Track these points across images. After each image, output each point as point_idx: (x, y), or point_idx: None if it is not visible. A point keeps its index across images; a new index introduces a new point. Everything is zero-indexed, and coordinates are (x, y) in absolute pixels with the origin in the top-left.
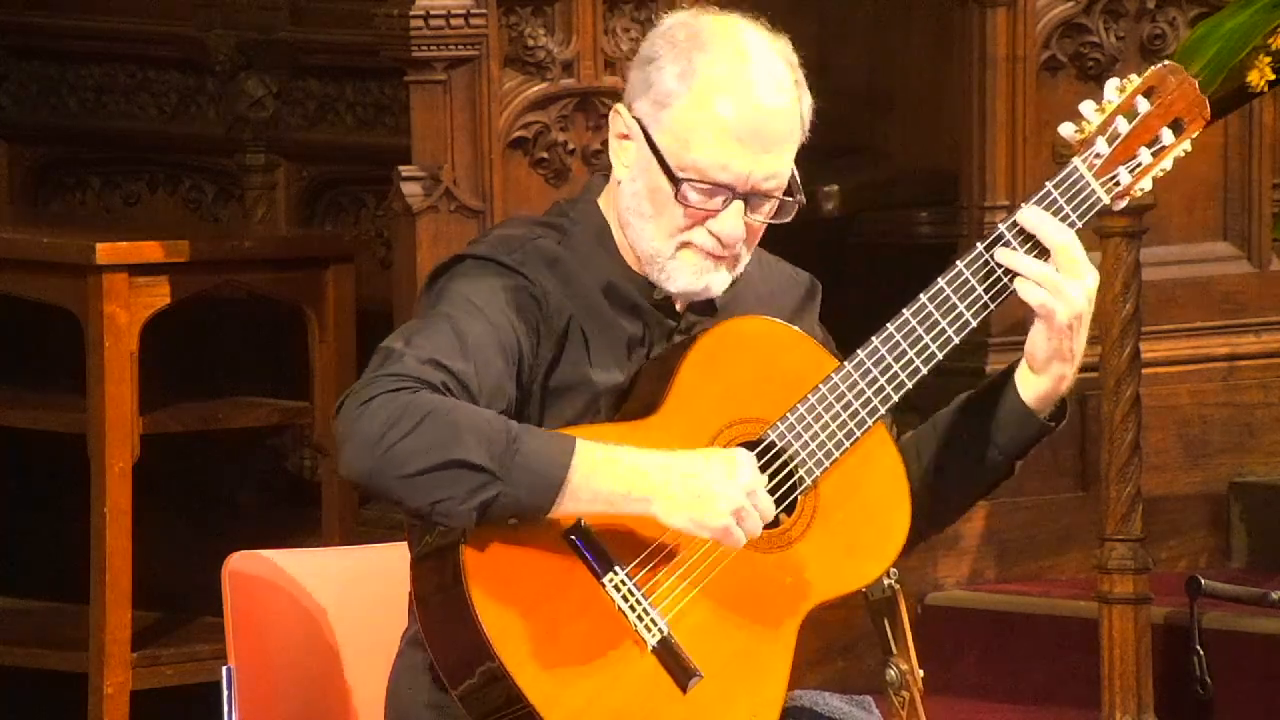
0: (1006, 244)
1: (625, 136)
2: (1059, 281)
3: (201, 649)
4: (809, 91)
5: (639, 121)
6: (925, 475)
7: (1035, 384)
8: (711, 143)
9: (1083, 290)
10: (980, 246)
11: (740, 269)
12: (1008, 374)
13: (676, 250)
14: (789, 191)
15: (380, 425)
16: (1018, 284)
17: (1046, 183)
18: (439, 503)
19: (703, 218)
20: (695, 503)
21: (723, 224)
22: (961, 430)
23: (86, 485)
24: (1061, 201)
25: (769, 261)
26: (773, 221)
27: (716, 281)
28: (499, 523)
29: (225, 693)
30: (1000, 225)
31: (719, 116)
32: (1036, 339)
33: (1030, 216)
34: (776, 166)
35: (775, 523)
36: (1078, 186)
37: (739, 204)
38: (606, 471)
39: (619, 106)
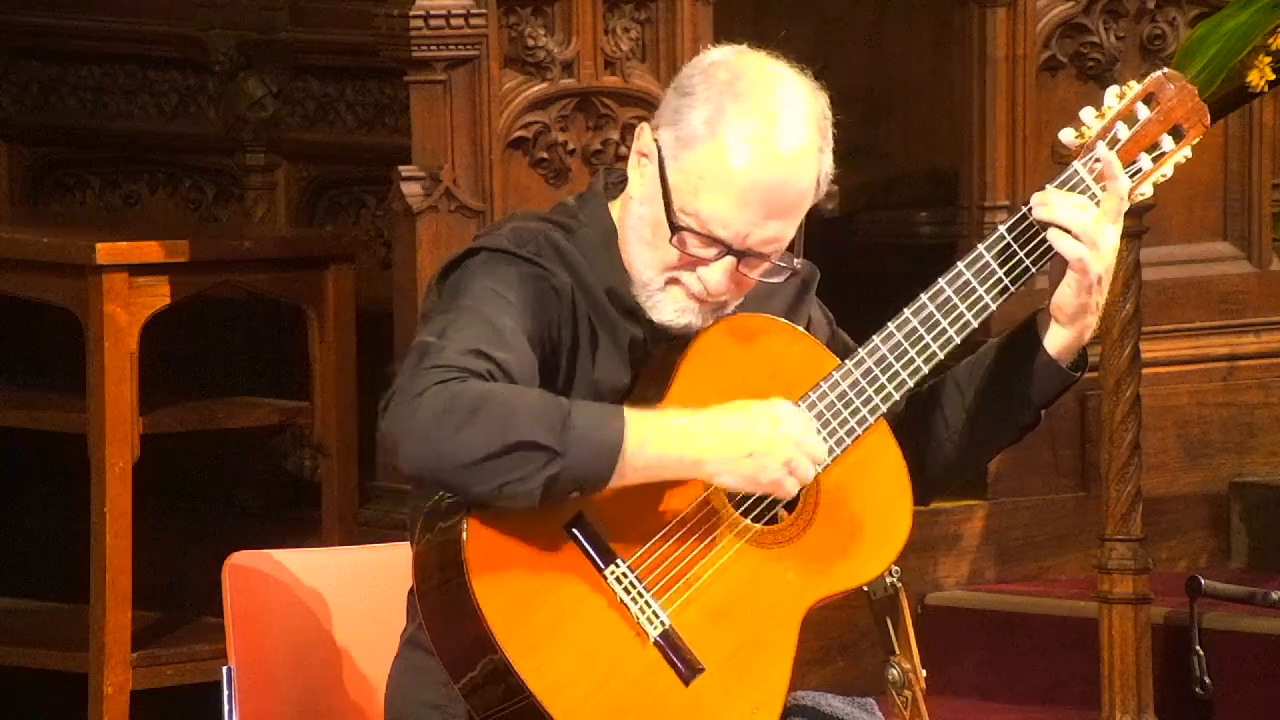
0: (1019, 230)
1: (645, 156)
2: (1095, 234)
3: (201, 649)
4: (830, 151)
5: (659, 150)
6: (958, 423)
7: (1061, 336)
8: (718, 197)
9: (1113, 244)
10: (1002, 229)
11: (726, 312)
12: (1029, 329)
13: (665, 284)
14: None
15: (435, 416)
16: (1052, 236)
17: (1048, 186)
18: (506, 484)
19: (694, 264)
20: (747, 461)
21: (710, 274)
22: (991, 384)
23: (86, 485)
24: None
25: None
26: (763, 280)
27: (697, 322)
28: (560, 499)
29: (225, 693)
30: (1000, 227)
31: (733, 173)
32: (1066, 293)
33: (1051, 196)
34: (778, 233)
35: (776, 519)
36: (1078, 190)
37: (730, 260)
38: (658, 437)
39: (646, 125)
